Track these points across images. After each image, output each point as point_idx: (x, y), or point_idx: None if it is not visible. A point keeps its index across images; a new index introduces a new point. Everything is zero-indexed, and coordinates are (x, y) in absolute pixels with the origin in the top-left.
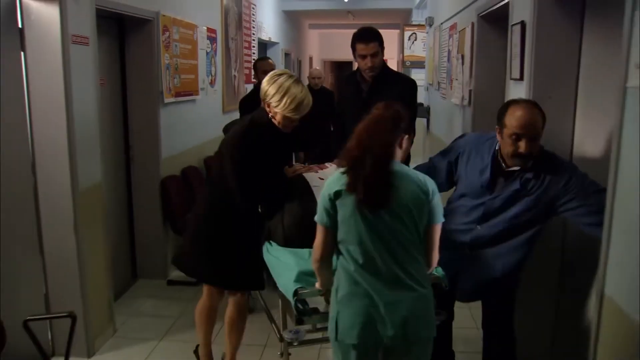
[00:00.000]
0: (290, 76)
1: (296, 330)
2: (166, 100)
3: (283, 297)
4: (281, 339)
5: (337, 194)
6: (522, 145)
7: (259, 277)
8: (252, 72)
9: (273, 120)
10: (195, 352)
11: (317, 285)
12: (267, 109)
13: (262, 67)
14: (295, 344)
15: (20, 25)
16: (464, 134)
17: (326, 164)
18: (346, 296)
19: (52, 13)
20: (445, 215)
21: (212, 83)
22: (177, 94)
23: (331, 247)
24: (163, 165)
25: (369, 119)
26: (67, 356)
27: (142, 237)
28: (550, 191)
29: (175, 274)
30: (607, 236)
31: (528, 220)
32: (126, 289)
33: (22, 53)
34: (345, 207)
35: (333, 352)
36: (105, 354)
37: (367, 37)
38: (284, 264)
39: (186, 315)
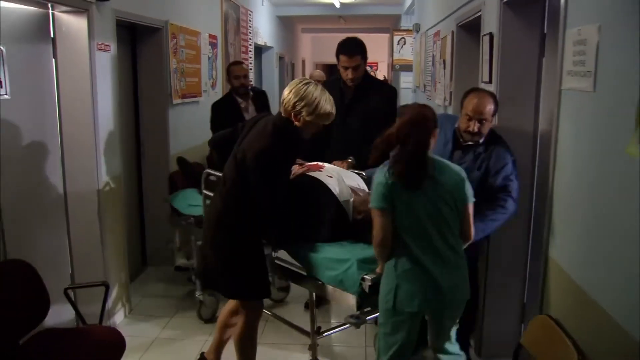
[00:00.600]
0: (316, 84)
1: (357, 315)
2: (174, 102)
3: (322, 289)
4: (318, 332)
5: (395, 182)
6: (472, 124)
7: (268, 284)
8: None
9: (299, 128)
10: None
11: (378, 269)
12: (293, 119)
13: (234, 71)
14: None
15: (52, 35)
16: None
17: (318, 164)
18: (407, 271)
19: (80, 24)
20: None
21: (213, 86)
22: (183, 96)
23: (391, 229)
24: (171, 161)
25: (414, 115)
26: (101, 318)
27: (152, 227)
28: (494, 166)
29: (183, 260)
30: (549, 208)
31: (480, 193)
32: (138, 274)
33: (53, 60)
34: (404, 193)
35: (382, 319)
36: (124, 328)
37: (351, 50)
38: (330, 258)
39: (194, 296)
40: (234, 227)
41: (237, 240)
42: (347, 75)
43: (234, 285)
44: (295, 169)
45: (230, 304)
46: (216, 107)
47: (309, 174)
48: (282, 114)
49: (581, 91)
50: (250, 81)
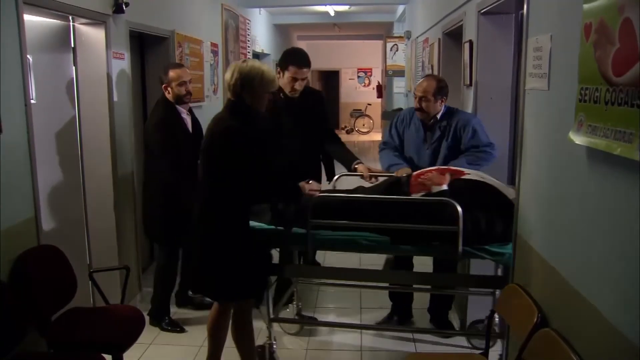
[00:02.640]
0: (252, 59)
1: None
2: None
3: None
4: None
5: None
6: (416, 102)
7: (255, 282)
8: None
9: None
10: None
11: None
12: (246, 96)
13: (180, 76)
14: None
15: (73, 45)
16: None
17: (457, 169)
18: None
19: (98, 35)
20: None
21: (214, 91)
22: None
23: None
24: None
25: None
26: (122, 299)
27: None
28: (460, 133)
29: None
30: (517, 190)
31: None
32: (147, 268)
33: (74, 67)
34: None
35: None
36: None
37: (303, 62)
38: None
39: None
40: (214, 224)
41: (218, 238)
42: (295, 86)
43: (218, 286)
44: (437, 177)
45: (215, 307)
46: (168, 123)
47: (462, 178)
48: (231, 98)
49: (539, 90)
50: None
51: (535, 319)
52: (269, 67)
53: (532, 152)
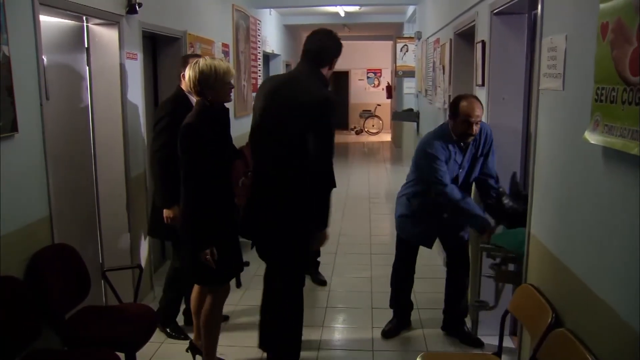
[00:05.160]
0: (204, 58)
1: None
2: None
3: None
4: None
5: None
6: (473, 128)
7: (227, 268)
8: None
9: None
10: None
11: None
12: (207, 93)
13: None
14: None
15: (86, 45)
16: (422, 143)
17: None
18: None
19: (111, 35)
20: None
21: None
22: None
23: None
24: None
25: None
26: (135, 297)
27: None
28: (486, 144)
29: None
30: (531, 191)
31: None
32: (158, 267)
33: (87, 67)
34: None
35: None
36: None
37: None
38: None
39: None
40: (187, 215)
41: (191, 227)
42: None
43: (193, 271)
44: None
45: (196, 288)
46: (175, 106)
47: None
48: (196, 97)
49: (554, 90)
50: None
51: (550, 319)
52: (219, 60)
53: (546, 152)
